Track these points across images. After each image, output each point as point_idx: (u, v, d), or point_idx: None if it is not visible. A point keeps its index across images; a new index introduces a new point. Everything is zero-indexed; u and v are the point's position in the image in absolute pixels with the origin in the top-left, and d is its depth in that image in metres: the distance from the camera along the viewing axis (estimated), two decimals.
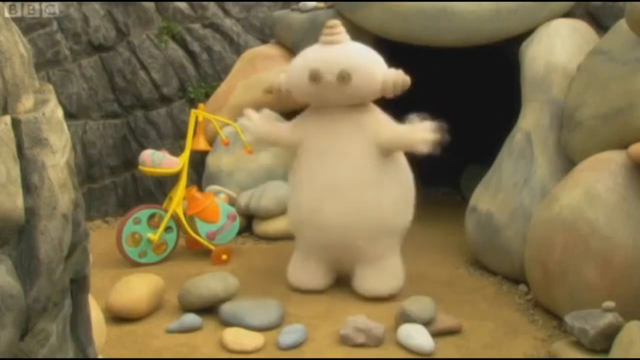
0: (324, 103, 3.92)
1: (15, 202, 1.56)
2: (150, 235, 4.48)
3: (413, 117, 3.75)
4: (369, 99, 3.94)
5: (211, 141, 5.16)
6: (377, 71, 3.86)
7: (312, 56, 3.91)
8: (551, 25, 4.62)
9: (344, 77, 3.74)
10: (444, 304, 3.70)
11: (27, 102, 1.71)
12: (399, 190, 3.93)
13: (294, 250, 4.15)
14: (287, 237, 5.02)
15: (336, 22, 3.96)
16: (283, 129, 4.14)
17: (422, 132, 3.67)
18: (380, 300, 3.87)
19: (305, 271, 4.04)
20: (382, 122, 3.90)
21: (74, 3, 5.58)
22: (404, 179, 3.98)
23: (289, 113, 5.55)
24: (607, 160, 3.55)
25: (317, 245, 3.96)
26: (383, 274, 3.91)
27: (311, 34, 5.40)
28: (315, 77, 3.77)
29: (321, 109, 3.96)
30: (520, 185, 4.16)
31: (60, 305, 1.72)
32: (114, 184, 5.74)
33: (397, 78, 3.83)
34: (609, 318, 3.00)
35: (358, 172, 3.81)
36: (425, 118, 3.70)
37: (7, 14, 1.76)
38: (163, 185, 5.63)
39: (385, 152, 3.85)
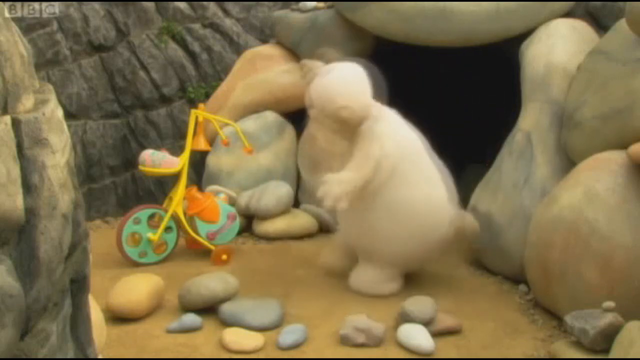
0: None
1: (15, 202, 1.56)
2: (150, 235, 4.47)
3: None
4: None
5: (211, 141, 5.15)
6: None
7: None
8: (551, 25, 4.61)
9: None
10: (444, 304, 3.70)
11: (27, 102, 1.71)
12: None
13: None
14: (287, 237, 5.03)
15: None
16: None
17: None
18: (380, 299, 3.87)
19: None
20: None
21: (74, 3, 5.58)
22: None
23: (290, 113, 5.56)
24: (607, 160, 3.54)
25: None
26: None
27: (311, 34, 5.41)
28: None
29: None
30: (520, 185, 4.15)
31: (60, 305, 1.72)
32: (114, 184, 5.74)
33: None
34: (609, 318, 3.00)
35: None
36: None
37: (7, 14, 1.76)
38: (163, 185, 5.63)
39: None
